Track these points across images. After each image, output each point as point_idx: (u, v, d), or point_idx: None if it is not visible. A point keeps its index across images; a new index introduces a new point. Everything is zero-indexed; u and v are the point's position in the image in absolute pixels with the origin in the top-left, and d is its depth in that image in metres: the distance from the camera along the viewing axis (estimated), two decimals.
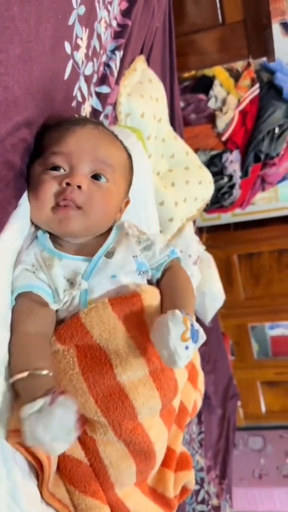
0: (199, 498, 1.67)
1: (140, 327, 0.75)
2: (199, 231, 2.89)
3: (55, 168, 0.73)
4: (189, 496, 1.01)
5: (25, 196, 0.73)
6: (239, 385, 2.97)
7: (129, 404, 0.71)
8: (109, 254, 0.77)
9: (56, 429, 0.59)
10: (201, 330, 0.70)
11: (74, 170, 0.73)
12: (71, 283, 0.74)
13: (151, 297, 0.77)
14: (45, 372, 0.66)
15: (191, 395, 1.05)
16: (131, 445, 0.74)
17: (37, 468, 0.69)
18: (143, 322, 0.75)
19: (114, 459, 0.73)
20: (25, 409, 0.60)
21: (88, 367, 0.71)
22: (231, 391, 2.55)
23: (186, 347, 0.66)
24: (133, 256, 0.79)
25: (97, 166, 0.75)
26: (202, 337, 0.70)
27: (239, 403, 2.92)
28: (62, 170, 0.73)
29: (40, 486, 0.69)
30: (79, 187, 0.72)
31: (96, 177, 0.75)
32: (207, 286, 1.98)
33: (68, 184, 0.72)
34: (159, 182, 1.41)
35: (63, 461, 0.72)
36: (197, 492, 1.67)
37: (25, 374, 0.64)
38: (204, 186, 1.59)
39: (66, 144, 0.73)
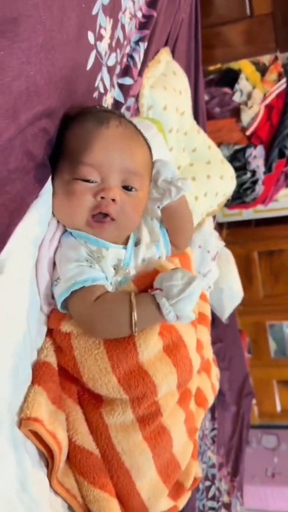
0: (210, 495, 1.67)
1: None
2: (219, 226, 2.87)
3: (87, 180, 0.74)
4: (198, 483, 1.02)
5: (46, 187, 0.72)
6: (255, 383, 2.95)
7: (149, 380, 0.73)
8: (137, 243, 0.84)
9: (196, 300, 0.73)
10: None
11: (106, 183, 0.75)
12: (114, 269, 0.79)
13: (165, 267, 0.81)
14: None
15: (207, 384, 1.06)
16: (146, 427, 0.75)
17: (48, 457, 0.70)
18: None
19: (126, 445, 0.74)
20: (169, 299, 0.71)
21: (112, 346, 0.73)
22: (246, 389, 2.53)
23: None
24: (154, 243, 0.86)
25: (126, 176, 0.76)
26: None
27: (254, 401, 2.89)
28: (93, 181, 0.74)
29: (49, 474, 0.70)
30: (113, 200, 0.74)
31: (126, 187, 0.77)
32: (225, 282, 1.96)
33: (102, 197, 0.74)
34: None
35: (73, 450, 0.73)
36: (208, 489, 1.67)
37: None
38: (225, 181, 1.57)
39: (94, 153, 0.73)
